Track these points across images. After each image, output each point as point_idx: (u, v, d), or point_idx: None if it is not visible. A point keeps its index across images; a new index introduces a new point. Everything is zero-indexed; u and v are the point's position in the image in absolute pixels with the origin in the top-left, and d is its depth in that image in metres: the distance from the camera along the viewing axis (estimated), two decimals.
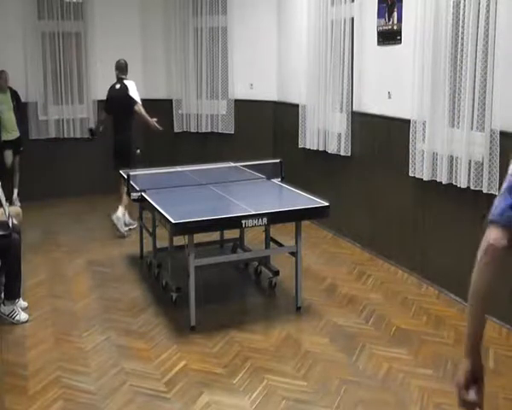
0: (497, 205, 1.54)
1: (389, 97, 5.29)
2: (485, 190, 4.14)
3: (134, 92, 6.29)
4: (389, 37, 5.24)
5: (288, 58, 7.13)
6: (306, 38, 6.36)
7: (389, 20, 5.22)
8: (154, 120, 6.35)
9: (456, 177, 4.41)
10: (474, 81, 4.16)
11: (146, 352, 3.82)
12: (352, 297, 4.69)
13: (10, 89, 7.06)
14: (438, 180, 4.60)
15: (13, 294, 4.22)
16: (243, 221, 4.05)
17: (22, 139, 7.17)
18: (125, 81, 6.37)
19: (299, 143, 6.66)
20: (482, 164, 4.15)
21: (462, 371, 1.65)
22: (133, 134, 6.35)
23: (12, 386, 3.42)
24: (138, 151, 6.28)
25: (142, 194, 4.68)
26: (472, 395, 1.61)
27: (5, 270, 4.21)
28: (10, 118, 6.91)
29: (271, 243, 4.93)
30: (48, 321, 4.28)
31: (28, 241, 5.22)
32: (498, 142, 4.03)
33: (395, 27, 5.15)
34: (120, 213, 6.18)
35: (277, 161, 5.20)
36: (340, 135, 5.99)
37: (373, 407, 3.23)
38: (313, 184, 5.95)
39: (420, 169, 4.78)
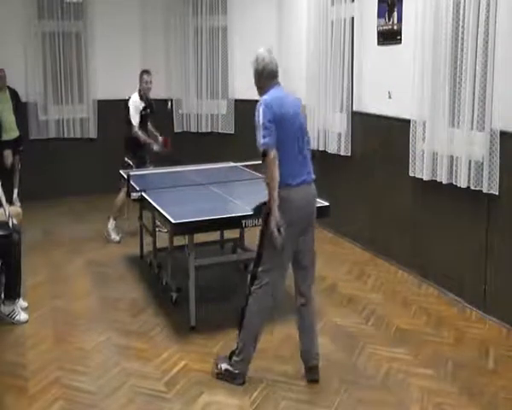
0: (268, 137, 3.32)
1: (389, 97, 5.28)
2: (485, 190, 4.14)
3: (132, 113, 6.03)
4: (389, 37, 5.24)
5: (288, 58, 7.11)
6: (306, 37, 6.36)
7: (389, 20, 5.21)
8: (160, 138, 6.18)
9: (456, 177, 4.40)
10: (474, 81, 4.16)
11: (146, 352, 3.82)
12: (352, 297, 4.69)
13: (9, 88, 7.04)
14: (438, 180, 4.60)
15: (13, 294, 4.22)
16: (243, 221, 4.05)
17: (22, 139, 7.16)
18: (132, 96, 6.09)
19: None
20: (482, 164, 4.15)
21: (274, 221, 3.18)
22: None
23: (12, 386, 3.42)
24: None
25: (142, 194, 4.68)
26: (281, 236, 3.22)
27: (5, 270, 4.21)
28: (10, 117, 6.89)
29: None
30: (48, 321, 4.28)
31: (28, 241, 5.21)
32: (498, 142, 4.03)
33: (395, 27, 5.15)
34: None
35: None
36: (340, 135, 5.99)
37: (373, 407, 3.23)
38: None
39: (420, 169, 4.78)
